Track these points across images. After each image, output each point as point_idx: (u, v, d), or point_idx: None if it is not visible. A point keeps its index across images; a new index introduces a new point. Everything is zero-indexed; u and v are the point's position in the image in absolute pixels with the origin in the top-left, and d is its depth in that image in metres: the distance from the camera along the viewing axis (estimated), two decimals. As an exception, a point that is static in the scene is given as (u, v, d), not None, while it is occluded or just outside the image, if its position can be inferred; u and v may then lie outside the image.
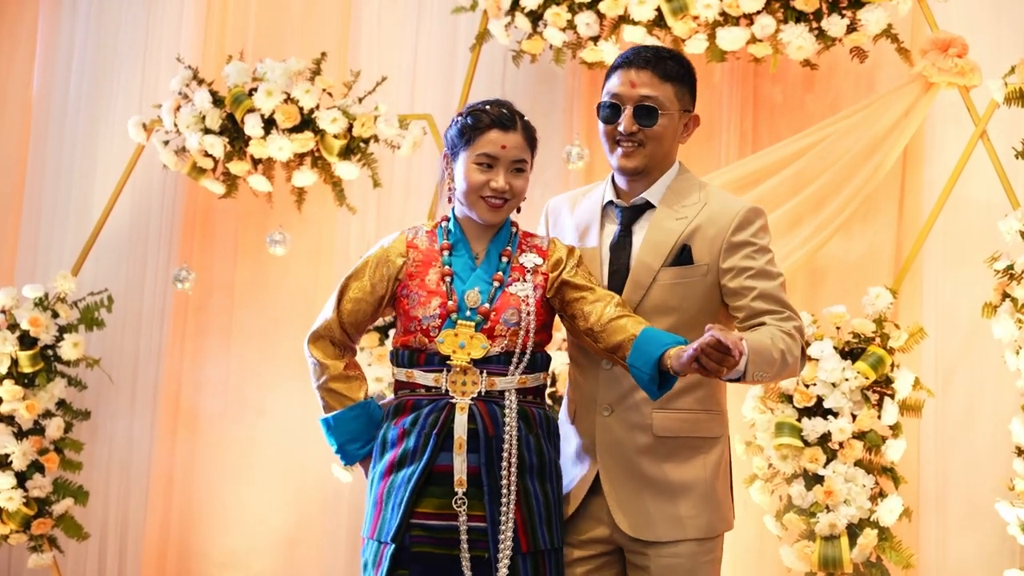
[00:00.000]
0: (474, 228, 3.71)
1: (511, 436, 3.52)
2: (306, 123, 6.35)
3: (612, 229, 3.76)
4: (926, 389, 5.60)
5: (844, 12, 5.74)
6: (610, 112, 3.72)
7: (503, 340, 3.56)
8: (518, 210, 3.76)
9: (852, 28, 5.75)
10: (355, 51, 6.93)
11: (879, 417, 5.50)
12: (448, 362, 3.54)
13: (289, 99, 6.34)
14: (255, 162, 6.47)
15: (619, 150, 3.71)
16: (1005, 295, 5.48)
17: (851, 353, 5.57)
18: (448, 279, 3.61)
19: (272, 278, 6.85)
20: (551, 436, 3.69)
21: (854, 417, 5.50)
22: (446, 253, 3.66)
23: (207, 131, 6.43)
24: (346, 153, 6.37)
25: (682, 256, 3.63)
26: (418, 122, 6.40)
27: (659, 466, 3.62)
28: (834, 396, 5.50)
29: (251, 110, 6.34)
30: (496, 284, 3.59)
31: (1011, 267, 5.46)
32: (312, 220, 6.75)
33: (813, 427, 5.50)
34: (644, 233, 3.70)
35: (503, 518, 3.46)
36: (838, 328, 5.62)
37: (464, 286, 3.60)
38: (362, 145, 6.39)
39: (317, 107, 6.35)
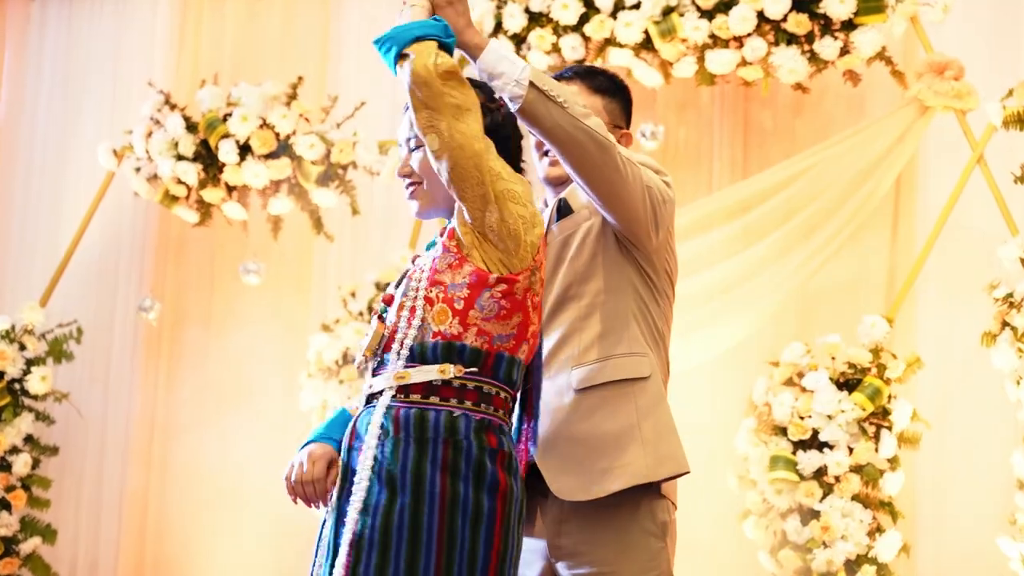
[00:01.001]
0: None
1: (367, 448, 2.91)
2: (282, 149, 6.18)
3: None
4: (923, 421, 5.45)
5: (836, 34, 5.60)
6: None
7: (392, 320, 3.00)
8: None
9: (844, 51, 5.61)
10: (334, 75, 6.76)
11: (876, 450, 5.34)
12: (357, 364, 3.13)
13: (265, 124, 6.17)
14: (230, 189, 6.29)
15: (545, 159, 3.51)
16: (1004, 324, 5.33)
17: (847, 384, 5.42)
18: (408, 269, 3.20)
19: (248, 308, 6.65)
20: (425, 439, 2.90)
21: (851, 450, 5.34)
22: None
23: (180, 157, 6.25)
24: (324, 180, 6.20)
25: (562, 211, 3.40)
26: (398, 148, 6.21)
27: (587, 422, 3.25)
28: (830, 428, 5.34)
29: (226, 136, 6.16)
30: (408, 266, 3.13)
31: (1011, 295, 5.32)
32: (289, 249, 6.56)
33: (809, 460, 5.33)
34: None
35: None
36: (833, 358, 5.46)
37: None
38: (340, 172, 6.22)
39: (294, 132, 6.18)
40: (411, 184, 3.14)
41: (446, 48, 2.93)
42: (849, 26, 5.59)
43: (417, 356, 2.92)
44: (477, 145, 2.91)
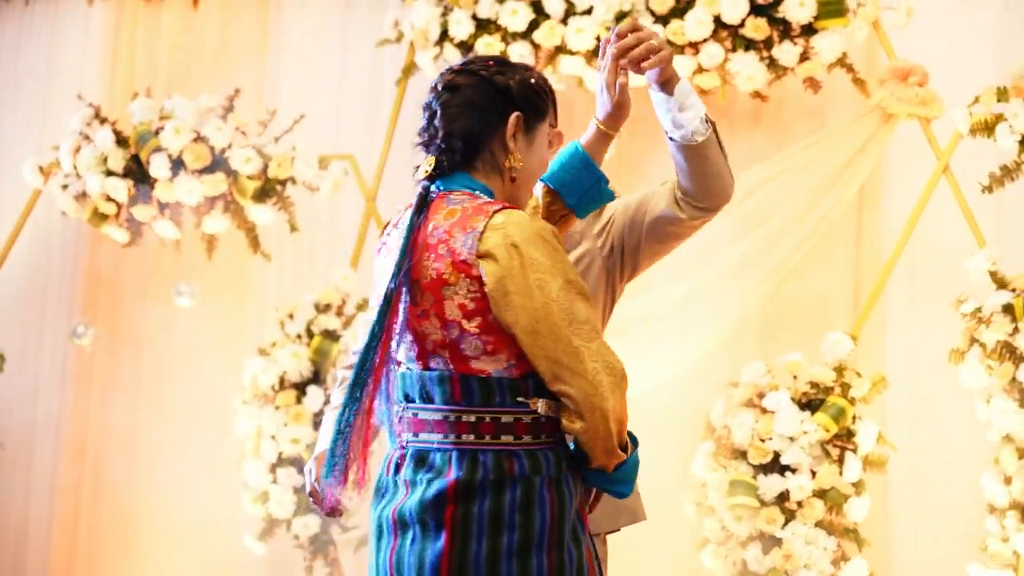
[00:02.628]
0: None
1: None
2: (218, 164, 5.88)
3: None
4: (889, 443, 5.19)
5: (796, 40, 5.37)
6: None
7: None
8: None
9: (804, 57, 5.38)
10: (273, 88, 6.47)
11: (841, 474, 5.07)
12: None
13: (199, 138, 5.87)
14: (162, 206, 5.98)
15: None
16: (973, 340, 5.08)
17: (809, 404, 5.15)
18: None
19: (182, 332, 6.31)
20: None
21: (814, 474, 5.07)
22: None
23: (109, 173, 5.95)
24: (261, 196, 5.90)
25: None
26: (339, 162, 5.94)
27: None
28: (792, 451, 5.06)
29: (158, 150, 5.86)
30: None
31: (979, 310, 5.07)
32: (224, 269, 6.24)
33: (770, 485, 5.05)
34: None
35: None
36: (795, 377, 5.19)
37: None
38: (278, 187, 5.92)
39: (229, 146, 5.89)
40: None
41: None
42: (809, 31, 5.36)
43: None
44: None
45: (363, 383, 2.71)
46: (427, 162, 2.85)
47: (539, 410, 2.67)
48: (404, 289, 2.69)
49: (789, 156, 5.46)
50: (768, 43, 5.38)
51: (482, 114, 2.80)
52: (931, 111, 5.29)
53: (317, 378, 5.74)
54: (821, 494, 5.05)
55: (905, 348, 5.52)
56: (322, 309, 5.83)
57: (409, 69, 5.93)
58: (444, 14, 5.73)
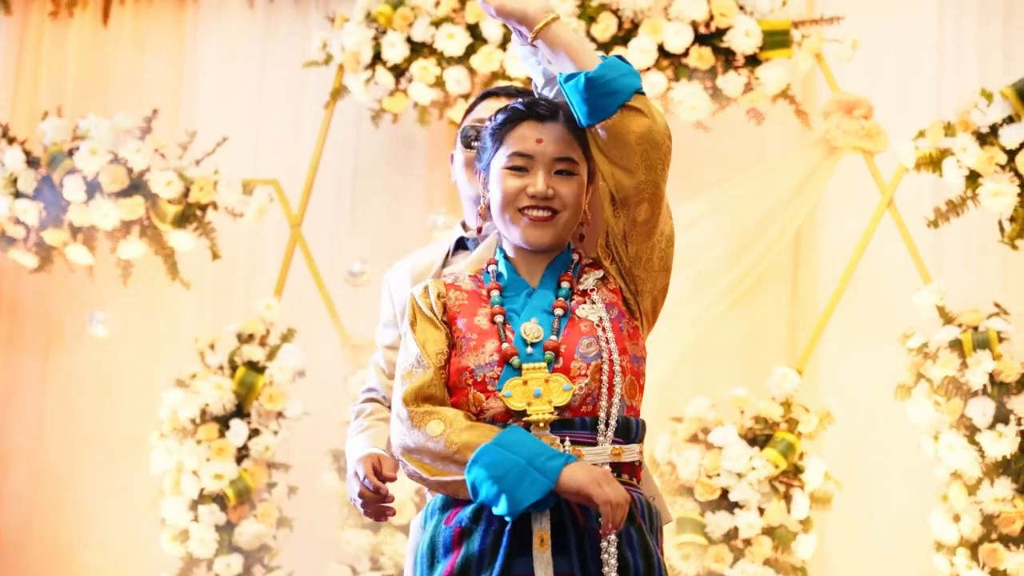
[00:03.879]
0: (526, 261, 2.81)
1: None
2: (136, 187, 5.62)
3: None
4: (834, 480, 5.12)
5: (739, 69, 5.30)
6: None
7: (584, 381, 2.62)
8: (581, 237, 2.86)
9: (748, 88, 5.32)
10: (189, 110, 6.22)
11: (789, 511, 4.99)
12: (524, 419, 2.63)
13: (116, 159, 5.61)
14: (74, 231, 5.70)
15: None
16: (919, 375, 5.05)
17: (755, 440, 5.06)
18: (501, 317, 2.74)
19: (92, 366, 6.01)
20: (654, 530, 2.72)
21: (762, 511, 4.98)
22: (495, 293, 2.80)
23: (18, 195, 5.66)
24: (181, 221, 5.65)
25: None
26: (264, 187, 5.72)
27: None
28: (740, 487, 4.97)
29: (71, 171, 5.59)
30: (559, 311, 2.74)
31: (926, 345, 5.04)
32: (140, 297, 5.97)
33: (718, 522, 4.96)
34: None
35: None
36: (741, 412, 5.10)
37: (519, 320, 2.76)
38: (199, 212, 5.68)
39: (148, 169, 5.63)
40: (546, 210, 2.74)
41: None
42: (752, 62, 5.30)
43: (622, 431, 2.65)
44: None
45: None
46: None
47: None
48: None
49: (731, 188, 5.38)
50: (712, 73, 5.31)
51: None
52: (876, 145, 5.26)
53: (240, 411, 5.51)
54: (769, 531, 4.97)
55: (842, 383, 5.46)
56: (245, 339, 5.60)
57: (337, 93, 5.74)
58: (377, 36, 5.56)
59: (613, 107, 2.62)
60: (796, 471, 5.03)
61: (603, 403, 2.63)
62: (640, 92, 2.65)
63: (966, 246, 5.41)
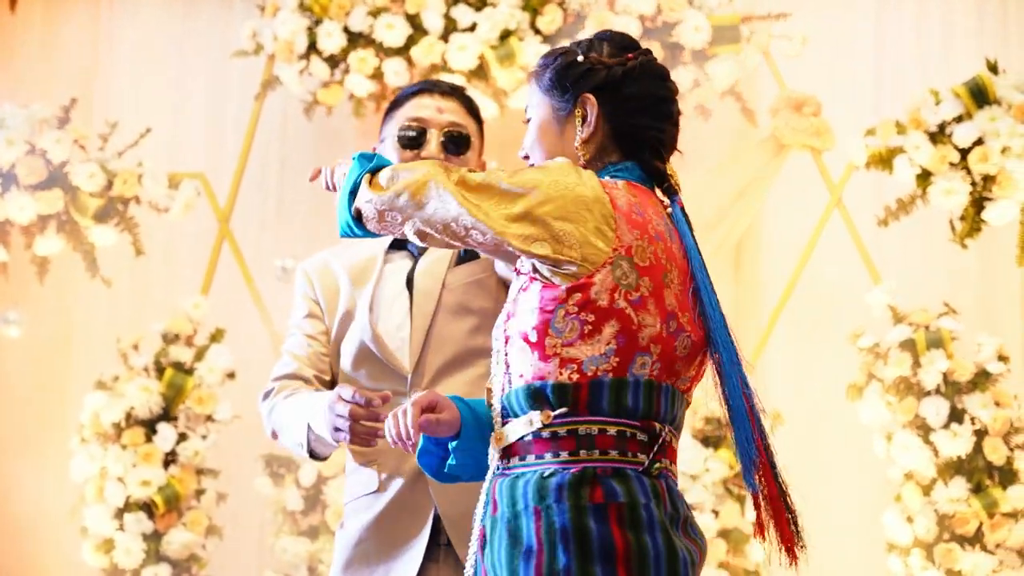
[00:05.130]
0: None
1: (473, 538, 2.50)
2: (54, 179, 5.35)
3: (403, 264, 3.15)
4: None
5: (687, 65, 5.22)
6: (415, 137, 3.18)
7: None
8: None
9: (695, 83, 5.24)
10: (105, 100, 5.94)
11: (743, 514, 4.91)
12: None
13: (33, 150, 5.33)
14: (-13, 225, 5.42)
15: None
16: (871, 375, 5.01)
17: (707, 441, 4.98)
18: None
19: (6, 365, 5.71)
20: (520, 516, 2.34)
21: (716, 514, 4.90)
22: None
23: (-77, 188, 5.36)
24: (102, 215, 5.39)
25: (465, 256, 3.12)
26: (191, 181, 5.48)
27: None
28: (695, 490, 4.88)
29: (-16, 163, 5.31)
30: None
31: (877, 345, 5.00)
32: (57, 295, 5.68)
33: (671, 526, 4.85)
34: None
35: None
36: (693, 413, 5.01)
37: None
38: (120, 207, 5.42)
39: (68, 161, 5.37)
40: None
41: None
42: (700, 57, 5.23)
43: (508, 409, 2.35)
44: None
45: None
46: (676, 176, 2.58)
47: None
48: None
49: (683, 185, 5.28)
50: (660, 68, 5.22)
51: None
52: (824, 142, 5.21)
53: (167, 415, 5.27)
54: (724, 534, 4.89)
55: (788, 384, 5.41)
56: (171, 340, 5.36)
57: (268, 84, 5.53)
58: (313, 26, 5.37)
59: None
60: (749, 473, 4.95)
61: (493, 387, 2.43)
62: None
63: (907, 245, 5.38)
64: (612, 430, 2.28)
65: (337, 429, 2.81)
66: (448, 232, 2.32)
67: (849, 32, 5.67)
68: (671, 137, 2.51)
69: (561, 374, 2.28)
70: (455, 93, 3.27)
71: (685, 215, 2.45)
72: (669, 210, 2.47)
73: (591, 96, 2.45)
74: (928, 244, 5.36)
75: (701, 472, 4.89)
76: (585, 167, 2.43)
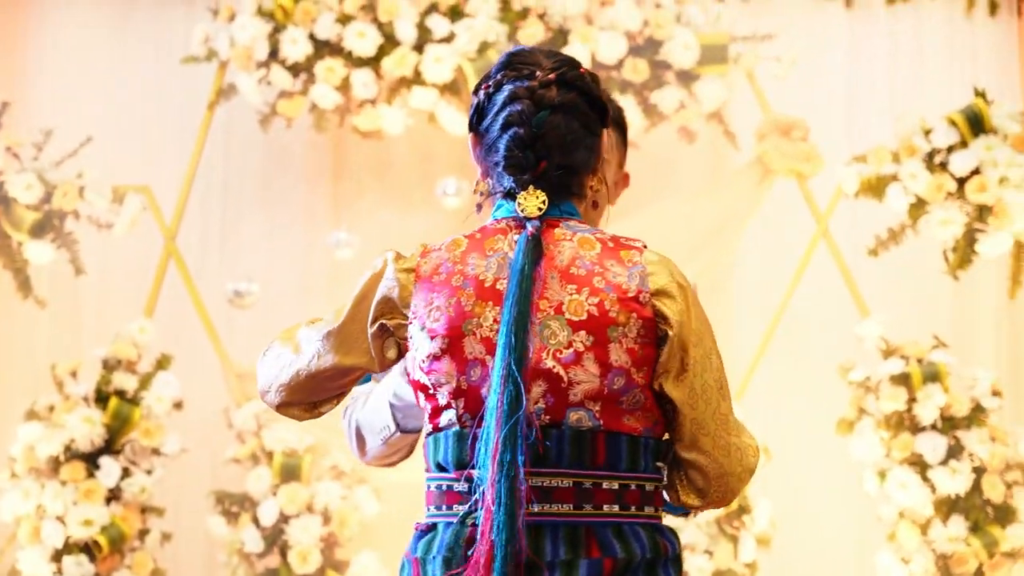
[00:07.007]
0: None
1: None
2: (-15, 190, 4.93)
3: None
4: (771, 521, 4.88)
5: (669, 84, 5.02)
6: None
7: None
8: None
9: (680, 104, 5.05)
10: (36, 106, 5.50)
11: (735, 555, 4.71)
12: None
13: (-37, 158, 4.92)
14: (-90, 239, 4.96)
15: None
16: (861, 410, 4.85)
17: (696, 479, 4.75)
18: None
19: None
20: None
21: (710, 554, 4.68)
22: None
23: None
24: (37, 231, 4.97)
25: None
26: (136, 195, 5.09)
27: None
28: (689, 530, 4.66)
29: (-91, 171, 4.86)
30: None
31: (868, 378, 4.85)
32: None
33: (664, 567, 4.62)
34: None
35: None
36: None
37: None
38: (56, 222, 5.01)
39: (1, 171, 4.95)
40: None
41: None
42: (687, 77, 5.03)
43: None
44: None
45: (512, 446, 2.11)
46: (536, 198, 2.24)
47: (664, 478, 2.22)
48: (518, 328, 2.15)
49: (661, 212, 5.09)
50: (646, 87, 5.01)
51: (592, 140, 2.28)
52: (813, 168, 5.05)
53: (109, 447, 4.86)
54: (718, 575, 4.67)
55: (770, 419, 5.22)
56: (113, 366, 4.95)
57: (222, 92, 5.17)
58: (276, 32, 5.03)
59: None
60: (740, 511, 4.75)
61: None
62: None
63: (892, 276, 5.25)
64: (433, 486, 2.25)
65: None
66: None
67: (822, 56, 5.53)
68: (529, 161, 2.24)
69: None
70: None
71: (535, 241, 2.20)
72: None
73: (471, 136, 2.28)
74: (915, 276, 5.23)
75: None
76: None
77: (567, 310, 2.15)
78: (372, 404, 2.71)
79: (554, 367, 2.14)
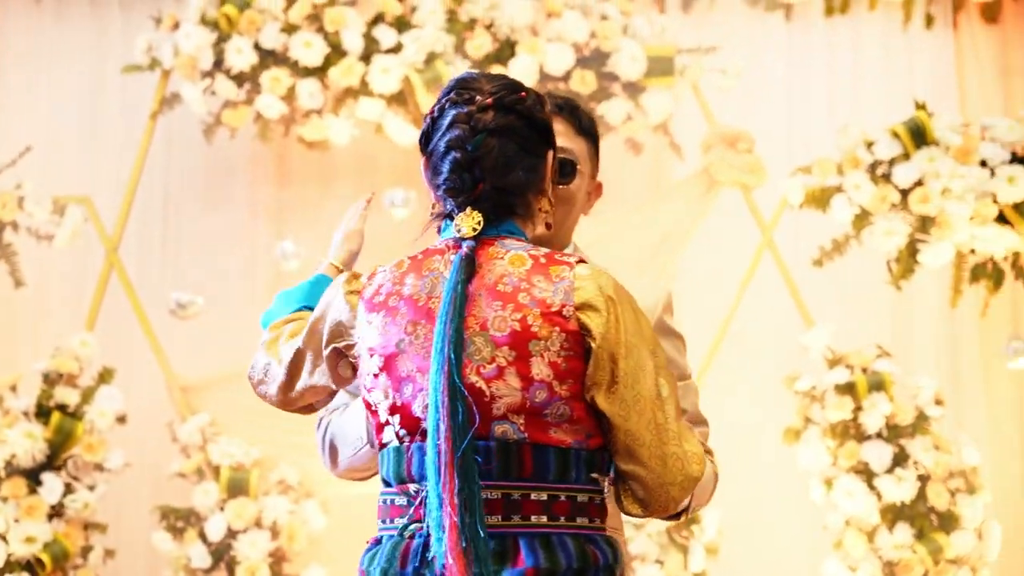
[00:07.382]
0: None
1: None
2: (-76, 200, 4.83)
3: None
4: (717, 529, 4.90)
5: (616, 96, 5.03)
6: None
7: None
8: None
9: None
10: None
11: (685, 565, 4.72)
12: None
13: (-100, 168, 4.81)
14: None
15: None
16: (807, 419, 4.90)
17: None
18: None
19: None
20: None
21: (661, 564, 4.69)
22: None
23: None
24: (-24, 243, 4.90)
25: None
26: (77, 206, 5.01)
27: None
28: (640, 540, 4.68)
29: None
30: None
31: (814, 388, 4.90)
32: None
33: (616, 578, 4.63)
34: None
35: None
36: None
37: None
38: (-5, 233, 4.94)
39: (-63, 181, 4.86)
40: None
41: None
42: (633, 89, 5.05)
43: None
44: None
45: (471, 458, 2.19)
46: (471, 219, 2.31)
47: (606, 489, 2.25)
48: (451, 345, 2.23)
49: (602, 223, 5.08)
50: (593, 98, 5.02)
51: (531, 161, 2.33)
52: (757, 179, 5.09)
53: (51, 463, 4.78)
54: (668, 586, 4.69)
55: (719, 428, 5.24)
56: (54, 380, 4.87)
57: (165, 102, 5.10)
58: (220, 41, 4.98)
59: None
60: (690, 521, 4.78)
61: None
62: None
63: (834, 287, 5.30)
64: (381, 500, 2.34)
65: None
66: None
67: (764, 68, 5.58)
68: (466, 183, 2.31)
69: None
70: (563, 110, 2.91)
71: (468, 260, 2.27)
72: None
73: (423, 158, 2.35)
74: (859, 286, 5.29)
75: (644, 522, 4.68)
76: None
77: (491, 326, 2.21)
78: (350, 414, 2.70)
79: (477, 382, 2.19)
